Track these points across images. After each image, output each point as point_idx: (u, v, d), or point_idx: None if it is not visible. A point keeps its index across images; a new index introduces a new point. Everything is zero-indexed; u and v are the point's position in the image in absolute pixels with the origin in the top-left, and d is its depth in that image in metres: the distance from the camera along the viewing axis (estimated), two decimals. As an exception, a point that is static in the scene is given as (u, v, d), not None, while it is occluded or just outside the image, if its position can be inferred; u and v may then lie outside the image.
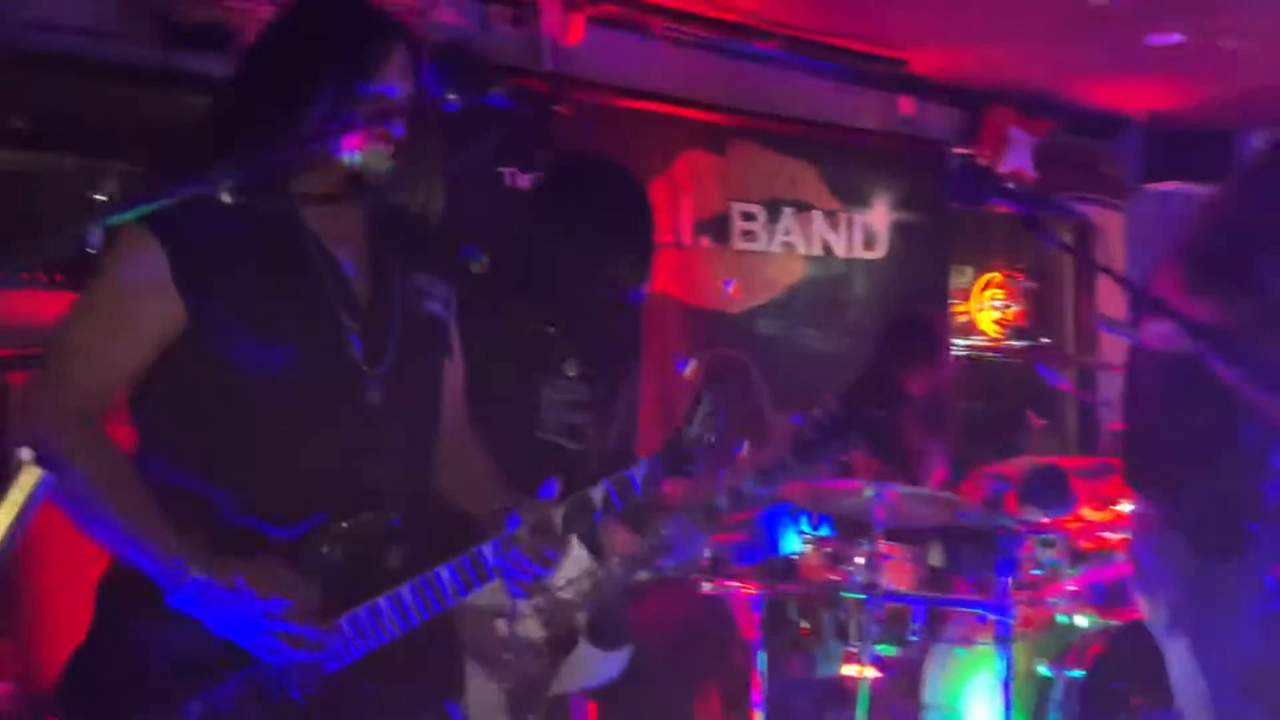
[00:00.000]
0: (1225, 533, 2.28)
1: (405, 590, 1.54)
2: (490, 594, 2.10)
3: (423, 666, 1.62)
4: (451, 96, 1.35)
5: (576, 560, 2.33)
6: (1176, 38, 4.65)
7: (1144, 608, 2.43)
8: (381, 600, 1.53)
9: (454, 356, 1.75)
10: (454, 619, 1.71)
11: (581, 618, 2.33)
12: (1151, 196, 5.88)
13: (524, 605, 2.20)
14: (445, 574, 1.56)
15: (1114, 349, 4.86)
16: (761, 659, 3.17)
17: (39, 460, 1.37)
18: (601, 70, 4.35)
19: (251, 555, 1.48)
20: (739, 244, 4.84)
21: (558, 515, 1.62)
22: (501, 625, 2.18)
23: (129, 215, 1.23)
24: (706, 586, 3.34)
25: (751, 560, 3.78)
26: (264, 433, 1.53)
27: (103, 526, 1.49)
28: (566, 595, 2.29)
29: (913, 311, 4.54)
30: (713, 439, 1.65)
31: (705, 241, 4.74)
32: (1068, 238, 4.34)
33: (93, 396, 1.53)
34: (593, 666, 2.37)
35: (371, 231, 1.63)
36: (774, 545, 3.98)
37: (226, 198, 1.15)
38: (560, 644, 2.30)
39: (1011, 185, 5.17)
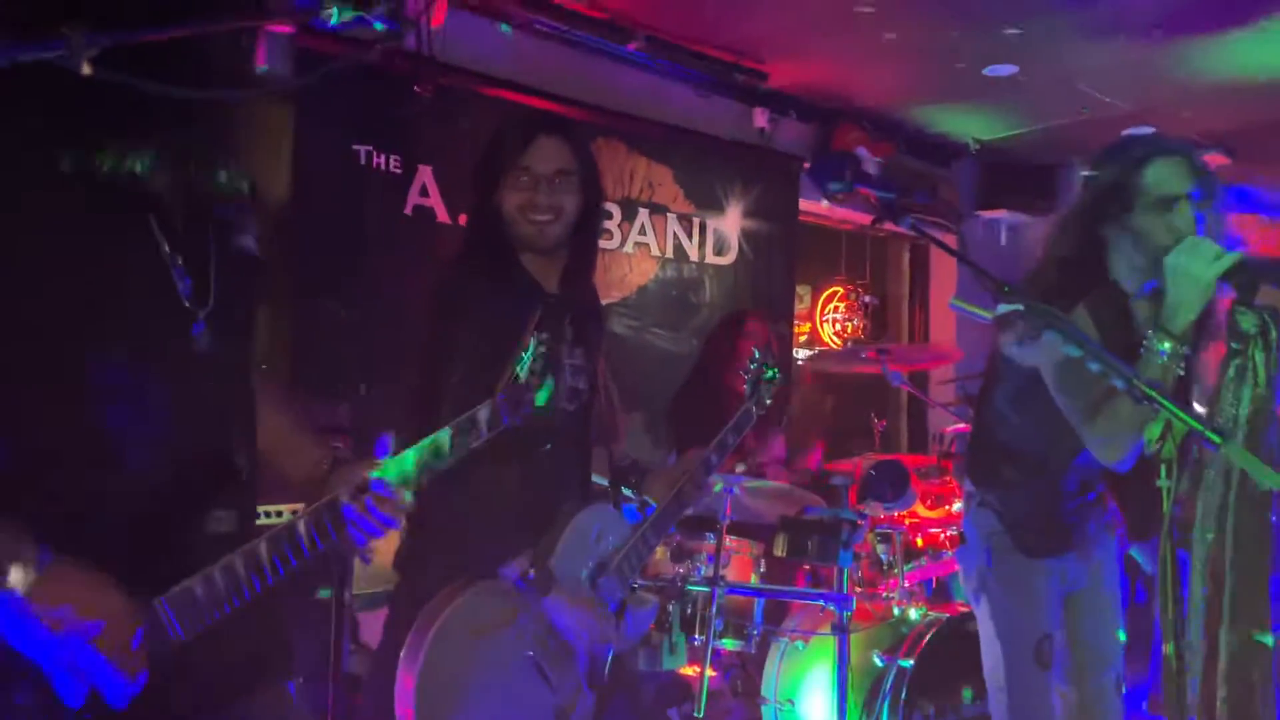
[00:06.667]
0: (1041, 534, 2.41)
1: (260, 546, 1.42)
2: None
3: (255, 648, 1.48)
4: (328, 11, 1.27)
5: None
6: (1012, 70, 4.95)
7: (960, 573, 2.56)
8: (235, 559, 1.39)
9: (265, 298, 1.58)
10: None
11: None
12: (980, 223, 6.24)
13: None
14: (302, 527, 1.47)
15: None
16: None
17: None
18: (467, 57, 4.28)
19: (75, 565, 1.28)
20: (594, 241, 4.84)
21: (445, 441, 1.61)
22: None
23: None
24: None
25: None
26: (93, 388, 1.33)
27: None
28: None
29: (735, 313, 4.65)
30: (542, 380, 1.76)
31: (561, 236, 4.72)
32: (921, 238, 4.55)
33: None
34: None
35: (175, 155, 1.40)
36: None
37: (86, 69, 0.99)
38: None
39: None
